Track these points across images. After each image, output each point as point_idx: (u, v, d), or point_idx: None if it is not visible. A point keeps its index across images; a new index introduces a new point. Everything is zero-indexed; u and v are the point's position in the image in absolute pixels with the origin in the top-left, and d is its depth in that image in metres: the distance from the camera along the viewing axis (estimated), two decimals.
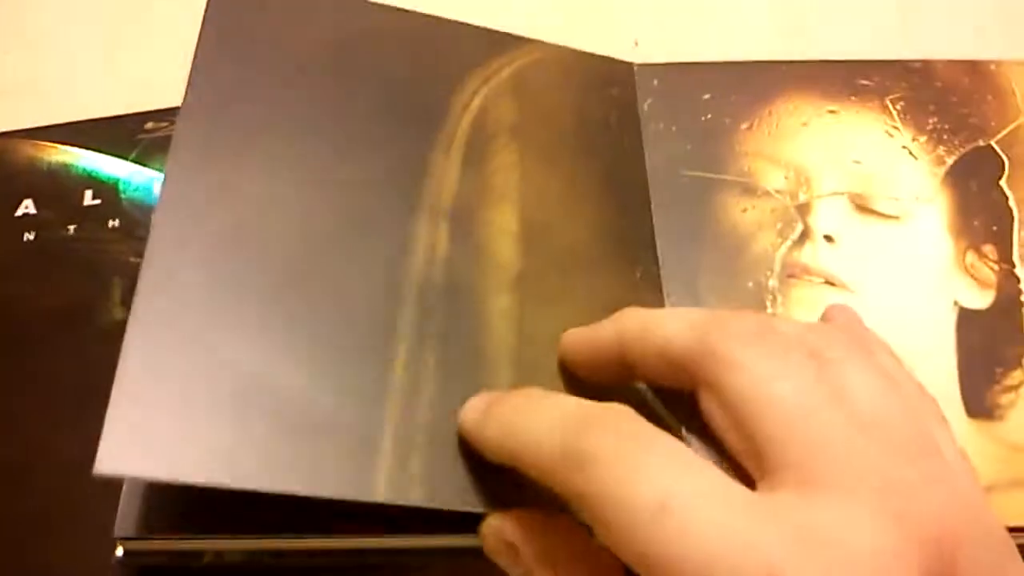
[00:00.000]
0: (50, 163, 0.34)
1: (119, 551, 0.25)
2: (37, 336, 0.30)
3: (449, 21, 0.30)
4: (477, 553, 0.23)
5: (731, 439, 0.20)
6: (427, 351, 0.24)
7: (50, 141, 0.34)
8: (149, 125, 0.35)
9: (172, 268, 0.24)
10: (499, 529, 0.21)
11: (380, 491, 0.22)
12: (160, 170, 0.34)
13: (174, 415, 0.22)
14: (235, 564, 0.26)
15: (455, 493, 0.22)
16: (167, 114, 0.35)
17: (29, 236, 0.32)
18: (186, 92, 0.27)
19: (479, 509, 0.22)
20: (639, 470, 0.18)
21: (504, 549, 0.21)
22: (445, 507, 0.22)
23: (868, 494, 0.18)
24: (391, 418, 0.23)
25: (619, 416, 0.19)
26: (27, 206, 0.33)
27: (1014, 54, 0.35)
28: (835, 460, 0.18)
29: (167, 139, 0.34)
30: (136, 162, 0.34)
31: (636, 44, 0.39)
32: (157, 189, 0.33)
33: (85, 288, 0.31)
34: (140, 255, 0.31)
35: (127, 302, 0.31)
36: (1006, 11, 0.42)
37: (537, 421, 0.20)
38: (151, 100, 0.35)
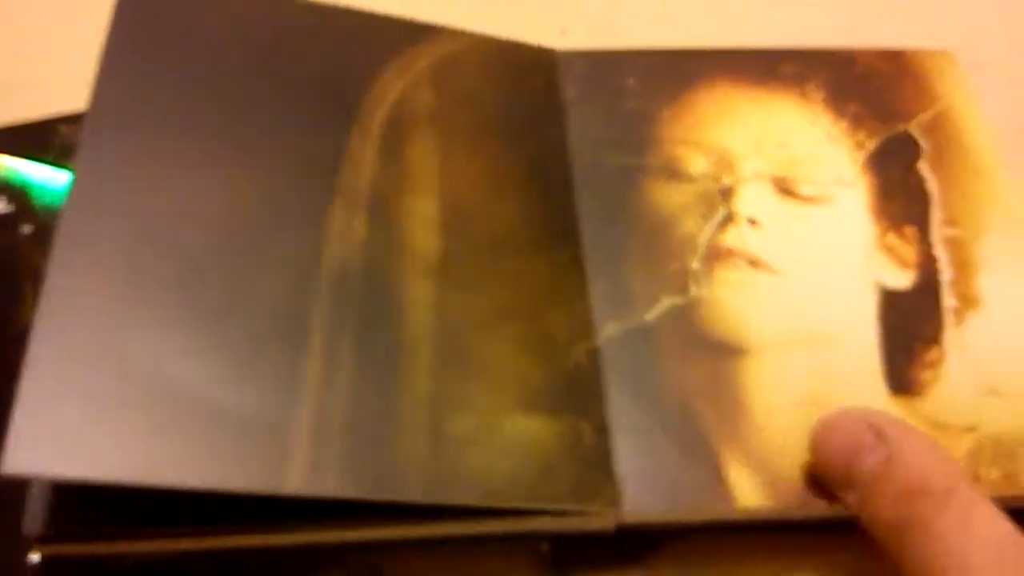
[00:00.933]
0: None
1: (35, 556, 0.25)
2: None
3: (366, 13, 0.30)
4: (412, 544, 0.23)
5: None
6: (344, 341, 0.24)
7: None
8: (63, 129, 0.34)
9: (79, 267, 0.23)
10: None
11: (292, 483, 0.21)
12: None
13: (83, 413, 0.21)
14: (160, 565, 0.25)
15: (374, 483, 0.22)
16: (81, 118, 0.34)
17: None
18: (94, 91, 0.26)
19: (397, 498, 0.22)
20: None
21: None
22: (362, 497, 0.22)
23: None
24: (306, 409, 0.22)
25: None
26: None
27: (932, 42, 0.36)
28: None
29: None
30: (50, 166, 0.33)
31: (563, 32, 0.40)
32: None
33: None
34: None
35: None
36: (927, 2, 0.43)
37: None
38: (63, 104, 0.35)
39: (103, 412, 0.21)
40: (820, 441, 0.26)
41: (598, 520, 0.26)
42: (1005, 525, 0.23)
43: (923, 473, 0.24)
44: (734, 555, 0.28)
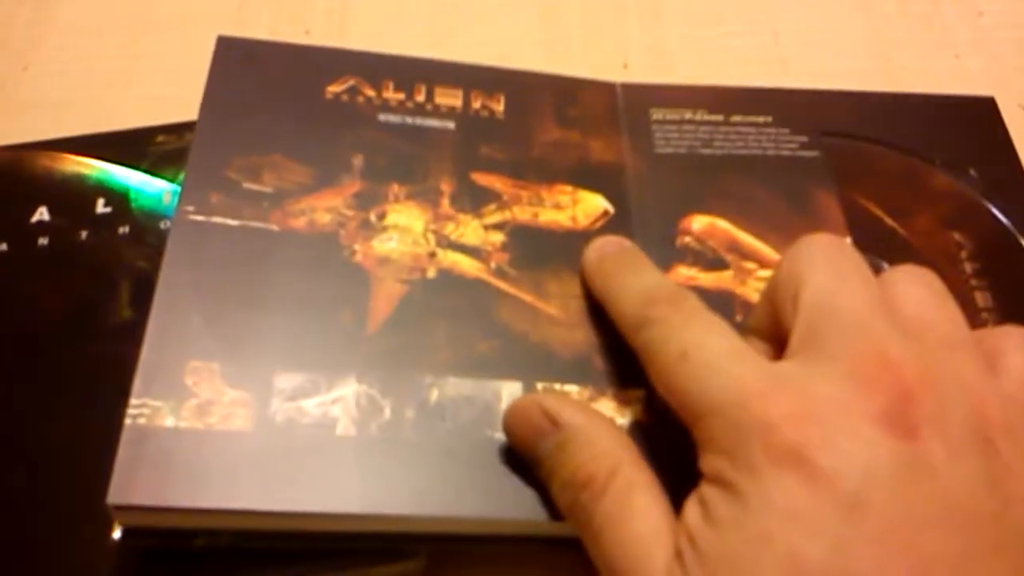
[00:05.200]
0: (65, 173, 0.36)
1: (116, 532, 0.26)
2: (49, 335, 0.32)
3: None
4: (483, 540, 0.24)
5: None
6: None
7: (66, 152, 0.36)
8: (160, 138, 0.37)
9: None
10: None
11: None
12: (169, 180, 0.35)
13: None
14: (229, 546, 0.27)
15: None
16: (177, 128, 0.37)
17: (43, 241, 0.34)
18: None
19: None
20: (675, 330, 0.24)
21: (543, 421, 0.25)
22: None
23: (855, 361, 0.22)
24: None
25: (681, 295, 0.26)
26: (42, 213, 0.35)
27: None
28: (844, 338, 0.22)
29: (176, 151, 0.36)
30: (146, 172, 0.36)
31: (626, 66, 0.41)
32: (166, 198, 0.35)
33: (95, 290, 0.33)
34: (148, 260, 0.33)
35: (134, 304, 0.32)
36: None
37: (625, 288, 0.28)
38: (162, 115, 0.37)
39: None
40: (506, 427, 0.27)
41: None
42: (658, 510, 0.23)
43: (588, 460, 0.24)
44: None
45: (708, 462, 0.22)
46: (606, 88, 0.36)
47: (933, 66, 0.43)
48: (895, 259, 0.30)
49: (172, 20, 0.44)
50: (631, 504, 0.23)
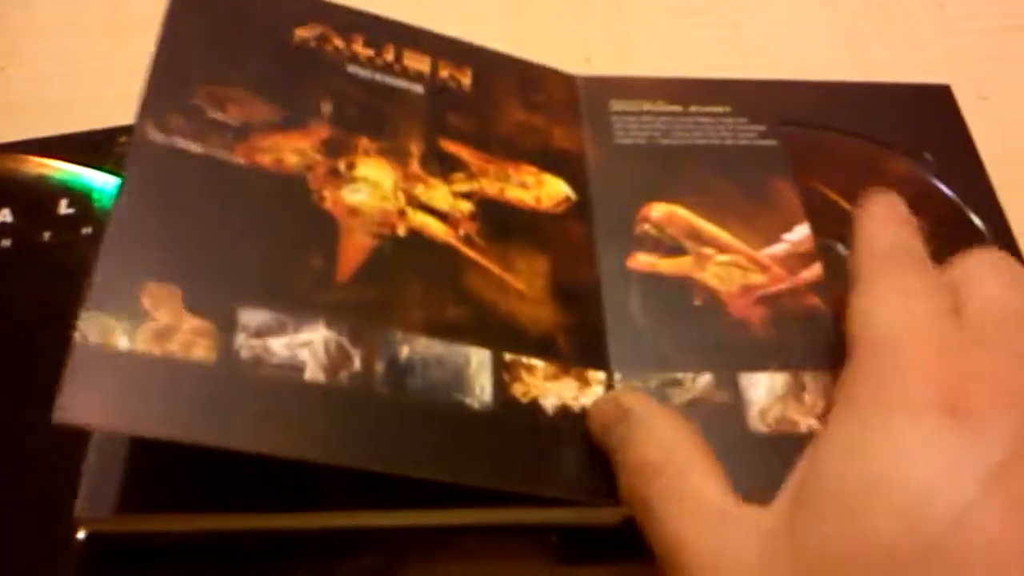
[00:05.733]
0: (28, 174, 0.36)
1: (80, 533, 0.27)
2: (12, 336, 0.32)
3: None
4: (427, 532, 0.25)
5: None
6: None
7: (28, 154, 0.36)
8: (123, 139, 0.37)
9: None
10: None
11: None
12: None
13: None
14: (196, 545, 0.27)
15: None
16: None
17: (6, 243, 0.34)
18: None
19: None
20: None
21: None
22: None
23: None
24: None
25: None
26: (5, 215, 0.35)
27: None
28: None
29: None
30: (110, 173, 0.36)
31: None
32: None
33: (58, 291, 0.33)
34: None
35: None
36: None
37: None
38: (124, 115, 0.37)
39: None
40: (588, 421, 0.28)
41: (605, 513, 0.27)
42: (714, 499, 0.24)
43: (645, 445, 0.25)
44: None
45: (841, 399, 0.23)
46: (568, 80, 0.36)
47: (896, 58, 0.43)
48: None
49: (142, 18, 0.44)
50: (684, 486, 0.24)
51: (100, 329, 0.24)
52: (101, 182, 0.36)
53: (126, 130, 0.37)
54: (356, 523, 0.27)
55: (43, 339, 0.31)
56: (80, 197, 0.35)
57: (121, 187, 0.27)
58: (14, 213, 0.35)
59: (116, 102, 0.41)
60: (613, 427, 0.26)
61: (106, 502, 0.26)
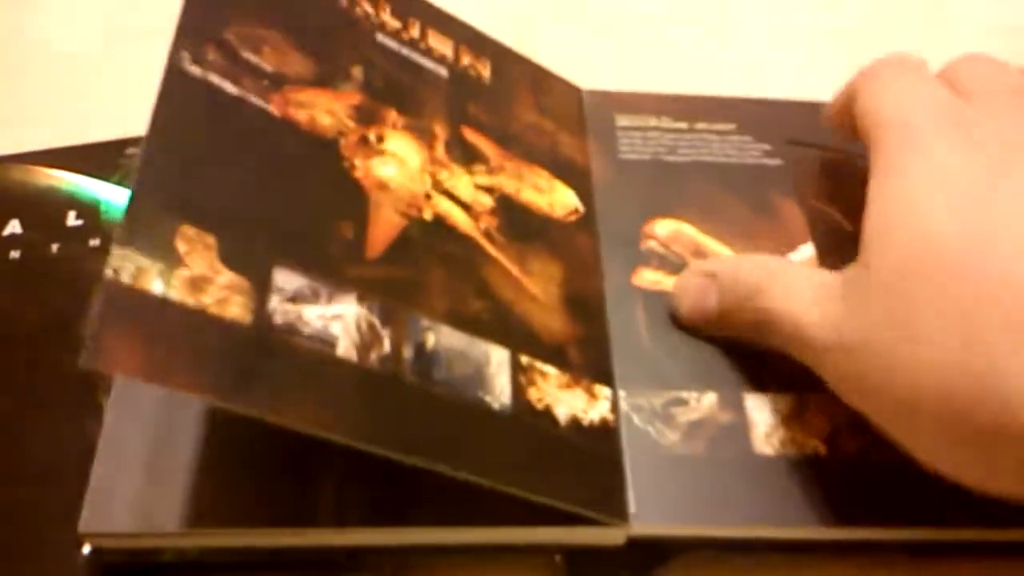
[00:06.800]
0: (36, 186, 0.36)
1: (85, 548, 0.27)
2: (20, 348, 0.32)
3: None
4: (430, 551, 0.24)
5: None
6: None
7: (37, 165, 0.36)
8: (130, 150, 0.37)
9: None
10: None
11: None
12: None
13: None
14: (199, 561, 0.27)
15: None
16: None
17: (15, 254, 0.34)
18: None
19: None
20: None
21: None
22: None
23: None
24: None
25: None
26: (14, 226, 0.35)
27: None
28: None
29: None
30: (117, 185, 0.36)
31: None
32: None
33: (66, 302, 0.33)
34: None
35: None
36: None
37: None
38: (132, 127, 0.37)
39: None
40: (675, 304, 0.31)
41: (610, 534, 0.27)
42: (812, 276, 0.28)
43: (739, 274, 0.29)
44: (743, 571, 0.29)
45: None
46: (574, 91, 0.36)
47: None
48: None
49: (148, 30, 0.44)
50: (780, 281, 0.27)
51: (133, 269, 0.22)
52: (108, 194, 0.36)
53: (134, 142, 0.37)
54: (358, 541, 0.27)
55: (51, 350, 0.32)
56: (88, 209, 0.35)
57: (154, 118, 0.25)
58: (23, 224, 0.35)
59: (124, 114, 0.41)
60: (707, 293, 0.29)
61: (111, 517, 0.26)
